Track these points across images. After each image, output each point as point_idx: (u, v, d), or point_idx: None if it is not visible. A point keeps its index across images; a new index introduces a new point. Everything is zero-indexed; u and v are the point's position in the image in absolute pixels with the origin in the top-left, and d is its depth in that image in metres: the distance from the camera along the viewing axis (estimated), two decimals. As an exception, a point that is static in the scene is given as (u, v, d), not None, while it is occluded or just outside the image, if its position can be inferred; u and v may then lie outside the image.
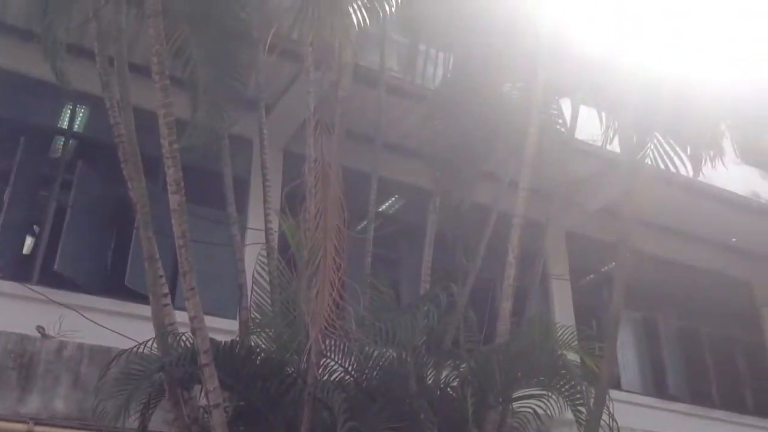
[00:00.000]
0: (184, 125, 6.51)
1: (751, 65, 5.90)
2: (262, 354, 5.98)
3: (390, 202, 9.82)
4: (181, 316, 5.95)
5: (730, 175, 8.71)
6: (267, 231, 6.96)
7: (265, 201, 7.10)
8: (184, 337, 5.79)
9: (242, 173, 8.28)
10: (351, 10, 4.80)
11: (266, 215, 7.03)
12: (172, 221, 5.37)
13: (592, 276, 11.09)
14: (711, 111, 6.09)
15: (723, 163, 6.62)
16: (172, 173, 5.29)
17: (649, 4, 6.28)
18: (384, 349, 6.01)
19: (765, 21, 5.14)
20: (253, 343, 6.18)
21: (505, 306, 6.27)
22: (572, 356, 6.52)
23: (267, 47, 5.94)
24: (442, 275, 7.00)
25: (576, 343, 6.71)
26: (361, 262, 7.03)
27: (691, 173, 6.75)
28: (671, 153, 6.40)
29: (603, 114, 7.19)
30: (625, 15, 6.36)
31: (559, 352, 6.25)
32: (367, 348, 5.97)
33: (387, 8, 5.09)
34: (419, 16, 6.97)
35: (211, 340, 5.48)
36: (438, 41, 7.51)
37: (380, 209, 9.01)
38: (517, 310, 6.75)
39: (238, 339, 6.16)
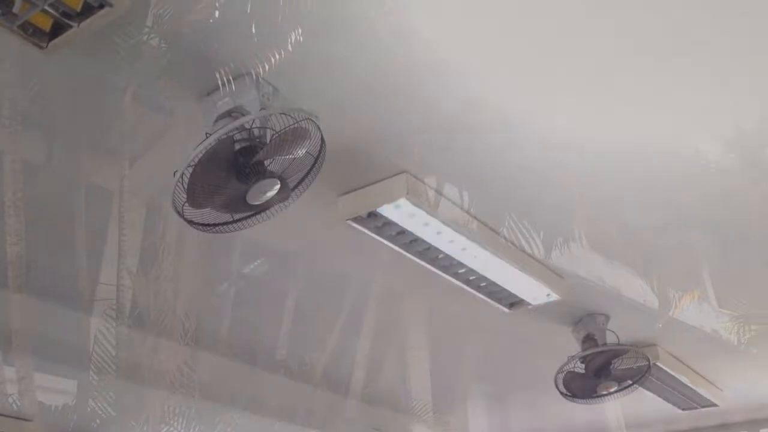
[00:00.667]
0: (38, 170, 6.17)
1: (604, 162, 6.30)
2: (98, 420, 5.64)
3: (254, 264, 9.64)
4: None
5: (579, 261, 9.23)
6: (118, 287, 6.67)
7: (119, 256, 6.81)
8: (10, 399, 5.37)
9: (100, 225, 7.90)
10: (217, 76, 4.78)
11: (119, 271, 6.74)
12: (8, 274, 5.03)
13: (450, 347, 11.28)
14: (563, 200, 6.47)
15: (570, 249, 7.03)
16: (12, 223, 4.97)
17: (518, 91, 6.62)
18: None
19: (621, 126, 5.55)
20: (89, 408, 5.83)
21: (357, 376, 6.27)
22: (425, 429, 6.59)
23: (133, 96, 5.77)
24: (300, 342, 6.94)
25: (429, 415, 6.79)
26: (218, 325, 6.84)
27: (543, 256, 7.17)
28: (524, 236, 6.76)
29: (465, 193, 7.46)
30: (490, 95, 6.66)
31: (410, 425, 6.30)
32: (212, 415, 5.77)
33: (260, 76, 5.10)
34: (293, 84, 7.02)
35: (41, 403, 5.10)
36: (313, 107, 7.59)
37: (244, 271, 8.83)
38: (372, 380, 6.76)
39: (73, 403, 5.79)
